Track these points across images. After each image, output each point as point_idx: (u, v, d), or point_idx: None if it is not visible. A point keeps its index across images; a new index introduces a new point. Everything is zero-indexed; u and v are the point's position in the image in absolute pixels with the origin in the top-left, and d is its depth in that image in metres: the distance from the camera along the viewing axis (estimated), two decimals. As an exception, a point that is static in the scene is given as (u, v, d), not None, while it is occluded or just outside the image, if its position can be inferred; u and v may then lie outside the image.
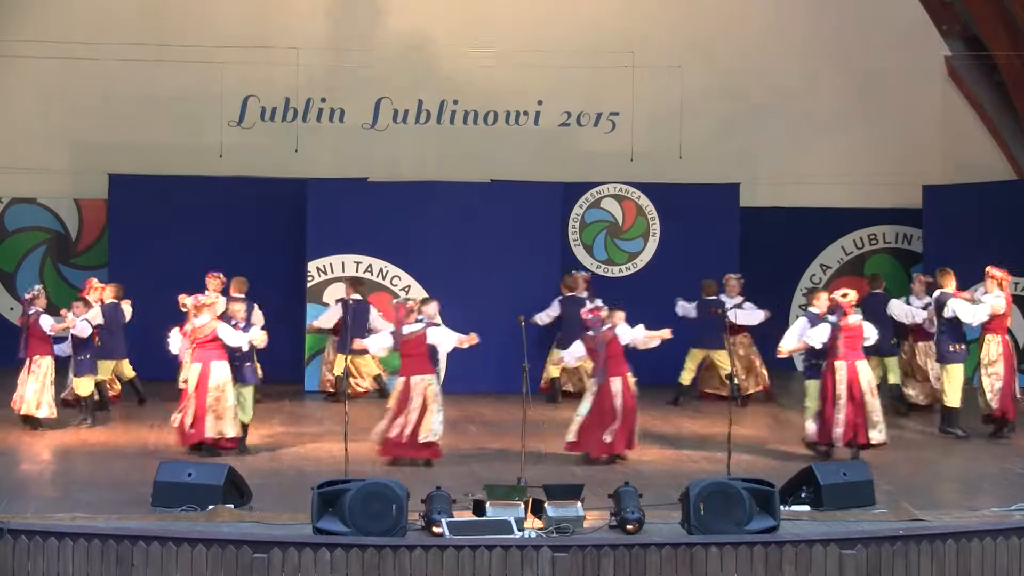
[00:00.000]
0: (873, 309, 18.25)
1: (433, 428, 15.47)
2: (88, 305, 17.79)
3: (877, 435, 15.76)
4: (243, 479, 13.46)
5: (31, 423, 17.23)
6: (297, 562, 11.46)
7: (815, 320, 16.06)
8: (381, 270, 21.02)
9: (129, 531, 11.84)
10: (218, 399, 15.79)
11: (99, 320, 18.00)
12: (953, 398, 17.40)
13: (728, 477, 12.98)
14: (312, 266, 21.03)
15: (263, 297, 20.36)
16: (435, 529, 12.08)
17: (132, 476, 14.76)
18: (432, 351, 15.68)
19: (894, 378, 19.02)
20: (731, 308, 19.52)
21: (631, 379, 15.96)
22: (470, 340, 15.82)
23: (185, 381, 16.14)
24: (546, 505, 12.45)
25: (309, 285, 20.95)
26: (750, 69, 23.46)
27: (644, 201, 22.47)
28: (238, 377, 16.13)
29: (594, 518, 12.58)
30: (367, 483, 12.23)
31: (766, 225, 23.03)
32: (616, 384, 15.85)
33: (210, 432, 15.77)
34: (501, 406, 19.20)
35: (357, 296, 19.92)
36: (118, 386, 19.25)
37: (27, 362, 17.32)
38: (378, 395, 19.46)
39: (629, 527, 12.27)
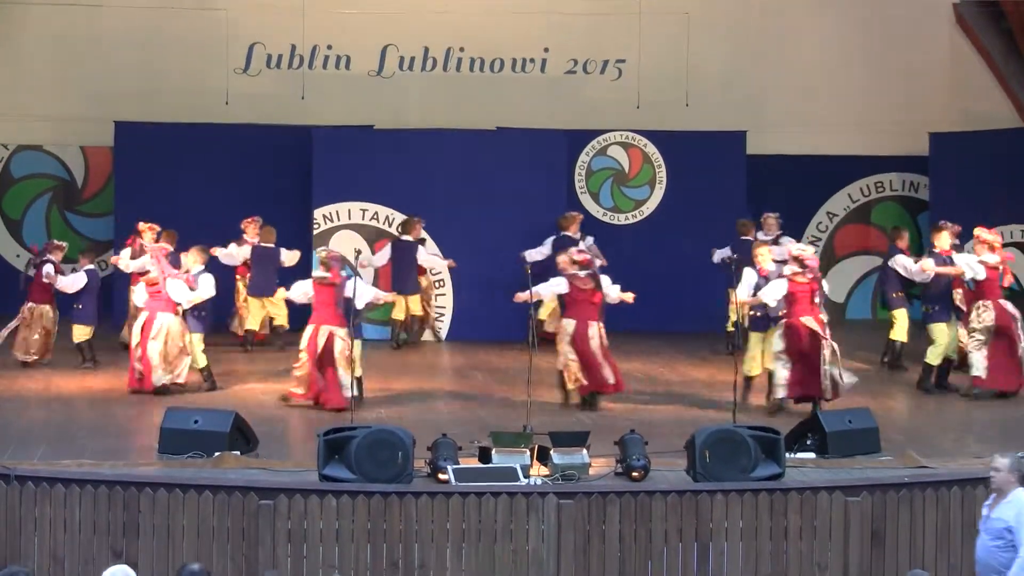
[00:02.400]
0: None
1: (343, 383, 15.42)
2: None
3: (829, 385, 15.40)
4: (249, 426, 13.47)
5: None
6: (303, 508, 11.47)
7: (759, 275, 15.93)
8: (387, 217, 20.95)
9: (136, 477, 11.86)
10: (166, 348, 16.23)
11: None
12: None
13: (733, 424, 12.99)
14: (318, 213, 20.96)
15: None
16: (441, 476, 12.09)
17: (138, 423, 14.79)
18: (348, 303, 15.58)
19: (895, 334, 18.46)
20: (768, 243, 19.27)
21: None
22: (386, 298, 16.34)
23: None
24: (552, 452, 12.46)
25: (315, 232, 20.88)
26: (757, 16, 23.30)
27: (650, 149, 22.38)
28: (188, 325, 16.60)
29: (600, 465, 12.59)
30: (373, 430, 12.24)
31: (773, 173, 22.91)
32: (594, 328, 15.76)
33: (159, 382, 16.18)
34: (507, 353, 19.19)
35: (408, 237, 20.01)
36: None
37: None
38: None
39: (635, 474, 12.28)
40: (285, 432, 14.48)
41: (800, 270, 15.67)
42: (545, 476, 12.28)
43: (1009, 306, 16.65)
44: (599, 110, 22.86)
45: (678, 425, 14.39)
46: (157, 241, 17.91)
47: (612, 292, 16.09)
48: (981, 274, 16.49)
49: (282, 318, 19.57)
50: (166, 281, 16.49)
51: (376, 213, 21.06)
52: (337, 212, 21.03)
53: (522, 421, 13.82)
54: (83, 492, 11.50)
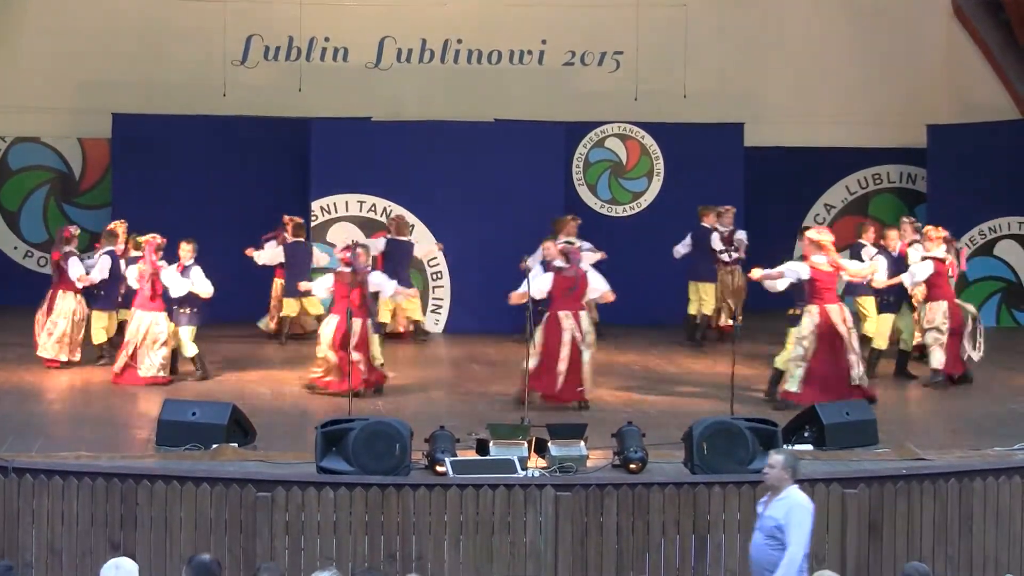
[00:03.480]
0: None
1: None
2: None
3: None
4: (247, 418, 13.47)
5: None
6: (301, 501, 11.47)
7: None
8: (385, 209, 20.93)
9: (133, 469, 11.85)
10: (145, 344, 16.37)
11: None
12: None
13: (731, 416, 12.97)
14: (316, 206, 20.94)
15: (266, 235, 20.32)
16: (438, 468, 12.09)
17: (136, 415, 14.78)
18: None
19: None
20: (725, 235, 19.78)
21: None
22: (408, 293, 16.72)
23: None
24: (549, 444, 12.46)
25: (313, 225, 20.86)
26: (755, 7, 23.26)
27: (648, 141, 22.35)
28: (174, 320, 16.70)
29: (597, 457, 12.59)
30: (370, 422, 12.24)
31: (770, 165, 22.88)
32: (569, 321, 15.61)
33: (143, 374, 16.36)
34: (505, 346, 19.18)
35: (403, 237, 20.03)
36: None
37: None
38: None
39: (632, 466, 12.27)
40: (283, 424, 14.46)
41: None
42: (543, 468, 12.28)
43: (964, 305, 17.04)
44: (597, 102, 22.82)
45: (675, 417, 14.39)
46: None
47: (595, 287, 15.94)
48: (921, 275, 16.82)
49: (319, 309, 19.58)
50: (159, 274, 16.48)
51: (374, 205, 21.03)
52: (335, 204, 21.01)
53: (520, 413, 13.81)
54: (81, 484, 11.48)
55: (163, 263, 16.65)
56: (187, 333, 16.79)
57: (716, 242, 19.87)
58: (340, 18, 22.81)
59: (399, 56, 23.12)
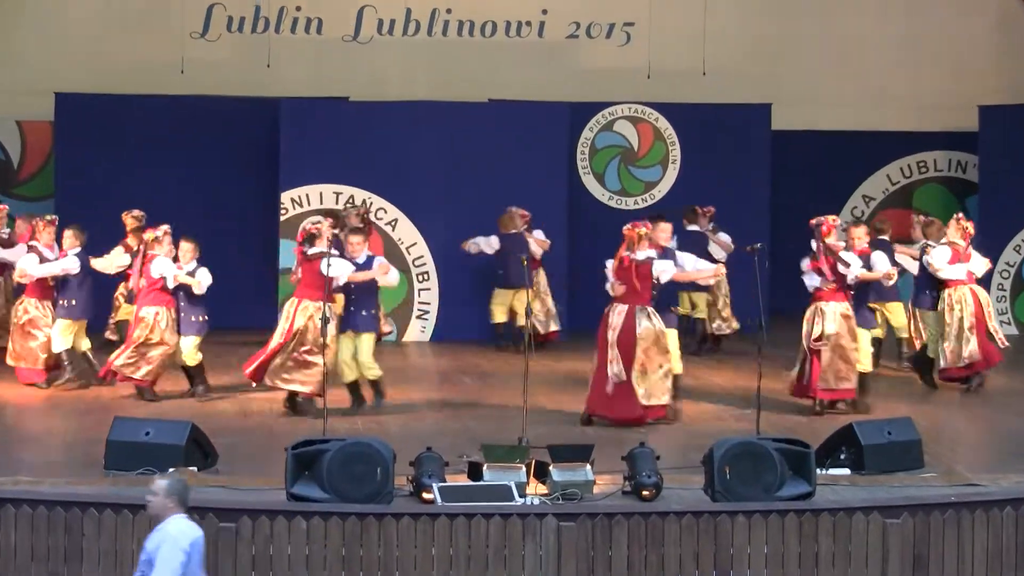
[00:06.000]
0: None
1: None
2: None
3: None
4: (207, 438, 13.46)
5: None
6: (269, 532, 11.47)
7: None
8: (364, 202, 20.95)
9: (79, 497, 11.85)
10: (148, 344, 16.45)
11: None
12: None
13: (757, 436, 12.99)
14: (286, 197, 20.97)
15: (230, 232, 20.33)
16: (425, 495, 12.10)
17: (83, 435, 14.77)
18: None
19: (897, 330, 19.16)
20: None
21: None
22: (365, 276, 16.06)
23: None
24: (551, 468, 12.47)
25: (283, 219, 20.89)
26: (785, -26, 23.36)
27: (663, 124, 22.39)
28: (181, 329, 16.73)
29: (605, 483, 12.60)
30: (348, 443, 12.24)
31: (801, 151, 22.95)
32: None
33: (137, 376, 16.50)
34: (500, 355, 19.23)
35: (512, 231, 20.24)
36: None
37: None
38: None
39: (645, 493, 12.28)
40: (248, 445, 14.47)
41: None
42: (543, 495, 12.29)
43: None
44: (604, 80, 22.88)
45: (694, 437, 14.41)
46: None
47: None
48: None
49: None
50: (152, 264, 16.55)
51: (352, 197, 21.05)
52: (307, 195, 21.03)
53: (517, 432, 13.82)
54: (19, 513, 11.48)
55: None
56: (190, 344, 16.72)
57: (718, 251, 19.95)
58: (313, -16, 22.87)
59: (380, 28, 23.16)
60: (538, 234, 20.27)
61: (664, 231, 16.32)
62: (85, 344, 17.33)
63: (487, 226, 20.47)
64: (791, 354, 17.29)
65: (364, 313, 16.11)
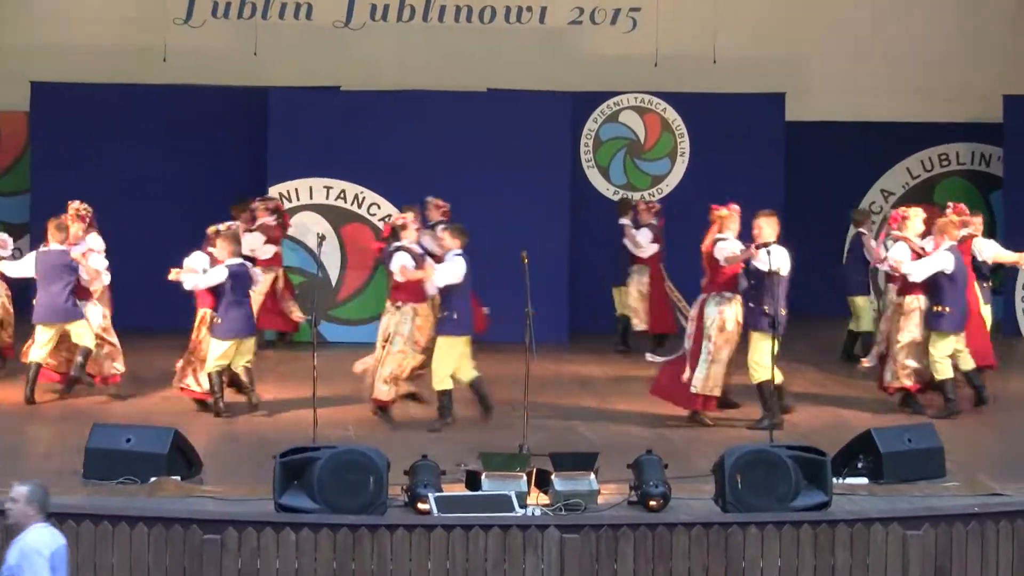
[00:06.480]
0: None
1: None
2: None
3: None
4: (191, 446, 13.46)
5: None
6: (256, 544, 11.47)
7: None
8: (356, 196, 20.96)
9: (55, 508, 11.79)
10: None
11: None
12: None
13: (771, 444, 12.99)
14: (274, 191, 20.96)
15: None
16: (421, 506, 12.11)
17: (60, 443, 14.76)
18: None
19: (859, 324, 19.51)
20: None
21: None
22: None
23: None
24: (553, 477, 12.47)
25: (271, 214, 20.89)
26: (799, -44, 23.37)
27: (671, 114, 22.40)
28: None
29: (610, 492, 12.62)
30: (339, 451, 12.25)
31: (816, 143, 22.95)
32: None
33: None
34: (500, 357, 19.18)
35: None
36: None
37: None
38: None
39: (652, 503, 12.29)
40: (235, 453, 14.47)
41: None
42: (545, 505, 12.29)
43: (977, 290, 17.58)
44: (609, 68, 22.88)
45: (704, 444, 14.42)
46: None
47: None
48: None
49: None
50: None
51: (343, 191, 21.06)
52: (297, 190, 21.03)
53: (517, 439, 13.81)
54: (-9, 526, 11.47)
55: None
56: (217, 347, 16.46)
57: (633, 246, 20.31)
58: (303, -33, 22.88)
59: (373, 13, 23.17)
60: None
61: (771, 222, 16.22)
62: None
63: (486, 224, 20.45)
64: (799, 356, 17.40)
65: (445, 315, 16.36)
